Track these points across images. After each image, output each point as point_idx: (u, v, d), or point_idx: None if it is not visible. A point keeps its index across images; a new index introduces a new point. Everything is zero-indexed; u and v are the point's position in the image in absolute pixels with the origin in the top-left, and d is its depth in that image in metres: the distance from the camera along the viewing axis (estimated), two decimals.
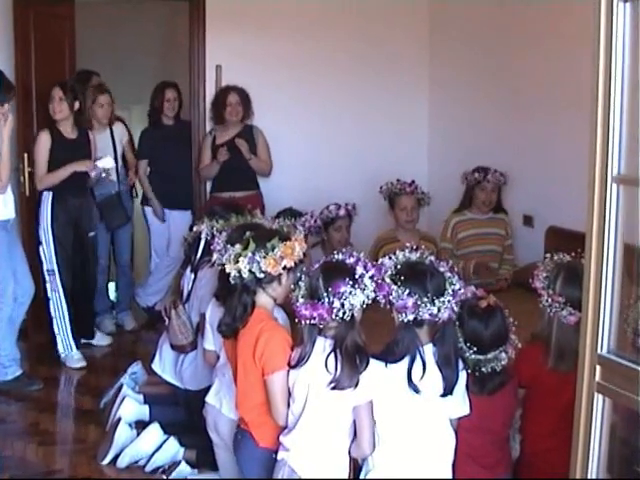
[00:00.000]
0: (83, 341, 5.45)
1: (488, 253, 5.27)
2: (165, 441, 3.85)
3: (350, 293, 2.75)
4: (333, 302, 2.75)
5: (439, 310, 2.76)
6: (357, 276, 2.79)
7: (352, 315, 2.78)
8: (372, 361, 2.82)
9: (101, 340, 5.61)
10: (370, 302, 2.81)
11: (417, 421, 2.84)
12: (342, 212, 5.04)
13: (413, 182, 5.14)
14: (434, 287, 2.79)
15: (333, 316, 2.76)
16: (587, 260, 2.27)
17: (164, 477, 3.62)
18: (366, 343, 2.86)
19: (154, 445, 3.87)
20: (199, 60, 5.99)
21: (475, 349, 2.91)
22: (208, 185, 6.05)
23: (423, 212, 5.31)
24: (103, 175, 5.25)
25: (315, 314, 2.77)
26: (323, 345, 2.85)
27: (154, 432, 3.91)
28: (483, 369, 2.92)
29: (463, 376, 2.90)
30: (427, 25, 6.39)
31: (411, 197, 5.10)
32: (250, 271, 3.02)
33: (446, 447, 2.92)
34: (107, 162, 5.24)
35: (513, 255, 5.32)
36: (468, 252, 5.26)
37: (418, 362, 2.80)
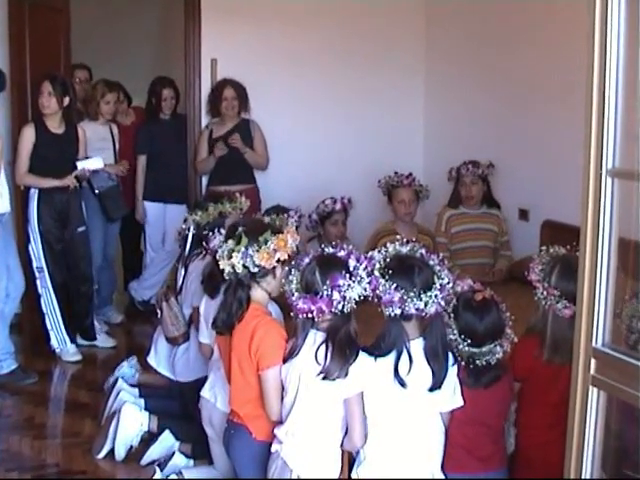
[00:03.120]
0: (87, 343, 5.40)
1: (482, 249, 5.25)
2: (160, 434, 3.85)
3: (349, 286, 2.76)
4: (332, 295, 2.76)
5: (426, 305, 2.76)
6: (352, 268, 2.80)
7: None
8: (361, 354, 2.83)
9: (105, 342, 5.51)
10: (366, 295, 2.81)
11: (406, 415, 2.85)
12: (338, 206, 5.04)
13: (410, 174, 5.13)
14: (422, 281, 2.79)
15: (333, 309, 2.77)
16: (582, 253, 2.27)
17: (159, 470, 3.62)
18: (358, 335, 2.87)
19: (137, 422, 3.88)
20: (194, 53, 5.97)
21: (469, 342, 2.90)
22: (204, 179, 6.04)
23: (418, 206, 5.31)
24: (88, 175, 5.24)
25: (314, 308, 2.78)
26: (314, 337, 2.86)
27: (129, 410, 3.91)
28: (477, 362, 2.91)
29: (453, 370, 2.89)
30: (423, 19, 6.37)
31: (408, 189, 5.09)
32: (244, 266, 3.02)
33: (435, 440, 2.92)
34: (91, 163, 5.22)
35: (511, 251, 5.28)
36: (462, 247, 5.25)
37: (405, 356, 2.80)
